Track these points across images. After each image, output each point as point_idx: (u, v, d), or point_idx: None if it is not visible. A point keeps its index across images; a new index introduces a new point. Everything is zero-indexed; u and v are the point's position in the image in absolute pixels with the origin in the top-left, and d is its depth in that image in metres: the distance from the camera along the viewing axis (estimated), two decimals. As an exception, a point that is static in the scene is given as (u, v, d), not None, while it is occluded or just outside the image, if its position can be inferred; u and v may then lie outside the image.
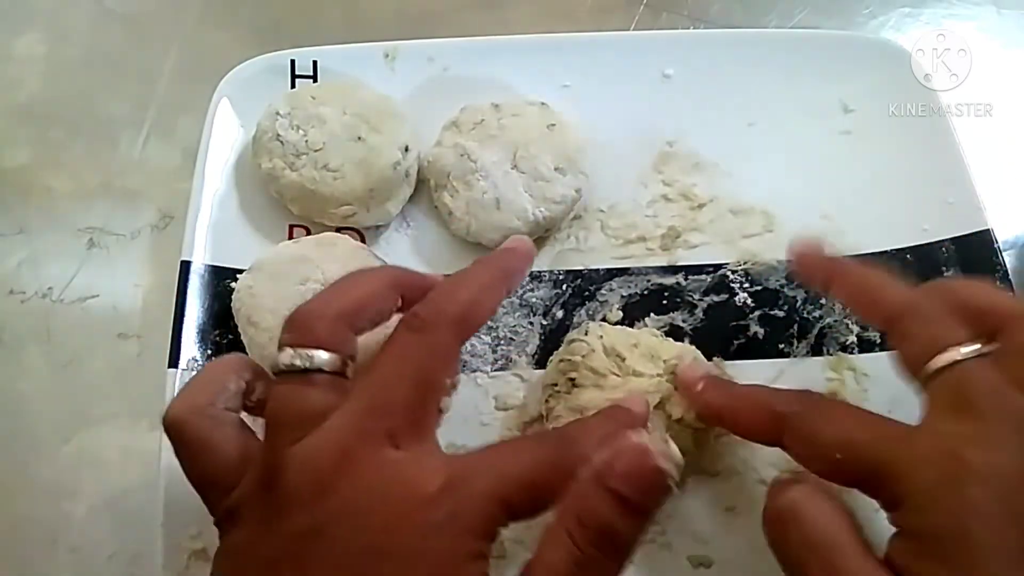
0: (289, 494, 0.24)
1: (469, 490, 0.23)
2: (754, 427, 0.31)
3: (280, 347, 0.27)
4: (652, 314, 0.42)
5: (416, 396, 0.25)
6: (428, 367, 0.26)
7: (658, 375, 0.36)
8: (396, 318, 0.29)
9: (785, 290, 0.43)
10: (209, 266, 0.42)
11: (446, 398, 0.27)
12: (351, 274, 0.30)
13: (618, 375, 0.36)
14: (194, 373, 0.39)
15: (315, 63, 0.47)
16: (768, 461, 0.38)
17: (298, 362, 0.26)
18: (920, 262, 0.43)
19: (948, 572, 0.23)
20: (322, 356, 0.26)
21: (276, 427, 0.25)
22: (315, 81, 0.47)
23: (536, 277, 0.44)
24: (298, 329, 0.27)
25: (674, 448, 0.23)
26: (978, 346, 0.26)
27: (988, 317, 0.28)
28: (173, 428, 0.27)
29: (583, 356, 0.37)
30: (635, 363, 0.36)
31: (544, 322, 0.42)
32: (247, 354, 0.39)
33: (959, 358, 0.26)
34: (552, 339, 0.42)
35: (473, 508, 0.23)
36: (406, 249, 0.45)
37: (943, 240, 0.43)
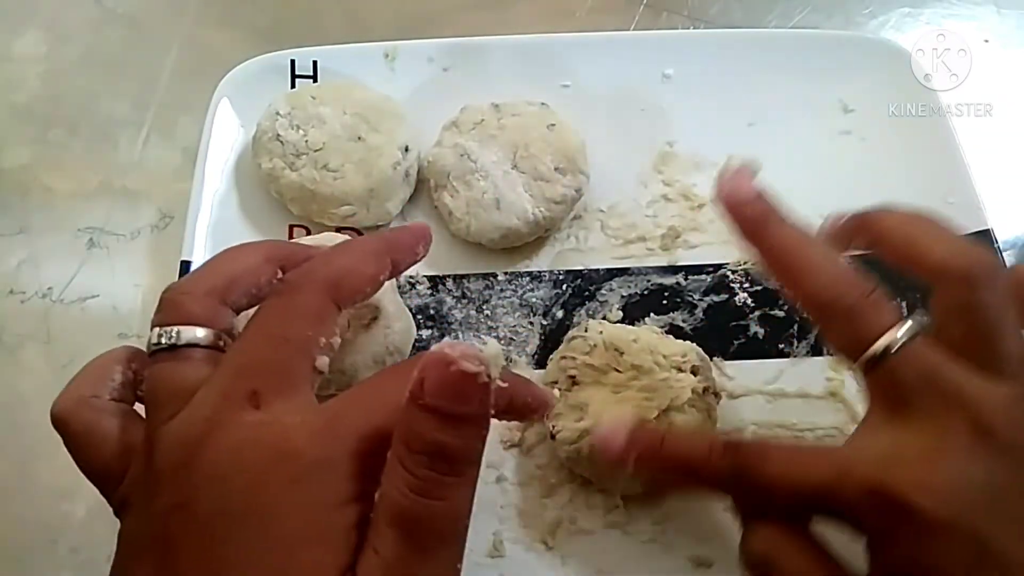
0: (160, 471, 0.23)
1: (335, 433, 0.23)
2: (702, 478, 0.29)
3: (151, 328, 0.26)
4: (652, 314, 0.42)
5: (279, 355, 0.25)
6: (293, 326, 0.25)
7: (659, 371, 0.36)
8: None
9: (785, 290, 0.43)
10: (209, 266, 0.42)
11: (322, 357, 0.26)
12: (225, 251, 0.29)
13: (619, 371, 0.36)
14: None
15: (315, 63, 0.47)
16: (768, 461, 0.38)
17: (164, 340, 0.25)
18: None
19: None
20: (192, 332, 0.26)
21: (152, 406, 0.25)
22: (315, 81, 0.47)
23: (536, 277, 0.44)
24: (165, 308, 0.26)
25: (491, 344, 0.23)
26: (908, 326, 0.26)
27: (919, 268, 0.27)
28: (58, 421, 0.27)
29: (583, 353, 0.37)
30: (635, 359, 0.36)
31: (544, 322, 0.42)
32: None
33: (890, 344, 0.25)
34: (552, 339, 0.42)
35: (341, 450, 0.23)
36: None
37: (943, 240, 0.43)
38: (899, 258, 0.28)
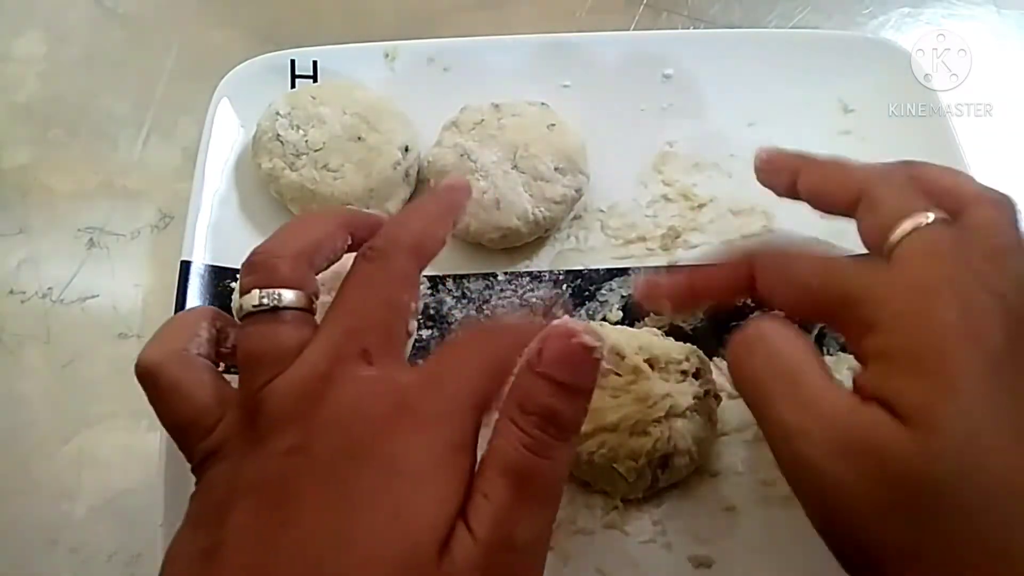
0: (272, 422, 0.24)
1: (443, 391, 0.24)
2: (727, 281, 0.31)
3: (243, 292, 0.26)
4: (652, 314, 0.42)
5: (384, 317, 0.26)
6: (391, 290, 0.27)
7: (660, 377, 0.36)
8: (349, 257, 0.29)
9: (785, 290, 0.43)
10: (209, 266, 0.42)
11: (412, 320, 0.27)
12: (300, 217, 0.30)
13: (619, 374, 0.36)
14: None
15: (315, 63, 0.47)
16: (769, 461, 0.38)
17: (267, 300, 0.26)
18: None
19: (924, 384, 0.23)
20: (288, 295, 0.26)
21: (251, 367, 0.25)
22: (315, 81, 0.47)
23: (536, 277, 0.44)
24: (259, 271, 0.27)
25: (599, 328, 0.25)
26: (943, 214, 0.26)
27: (950, 196, 0.28)
28: (147, 373, 0.27)
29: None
30: (635, 362, 0.36)
31: (544, 322, 0.42)
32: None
33: (925, 223, 0.26)
34: (552, 339, 0.41)
35: (450, 406, 0.24)
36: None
37: (943, 240, 0.43)
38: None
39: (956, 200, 0.28)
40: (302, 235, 0.28)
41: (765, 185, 0.34)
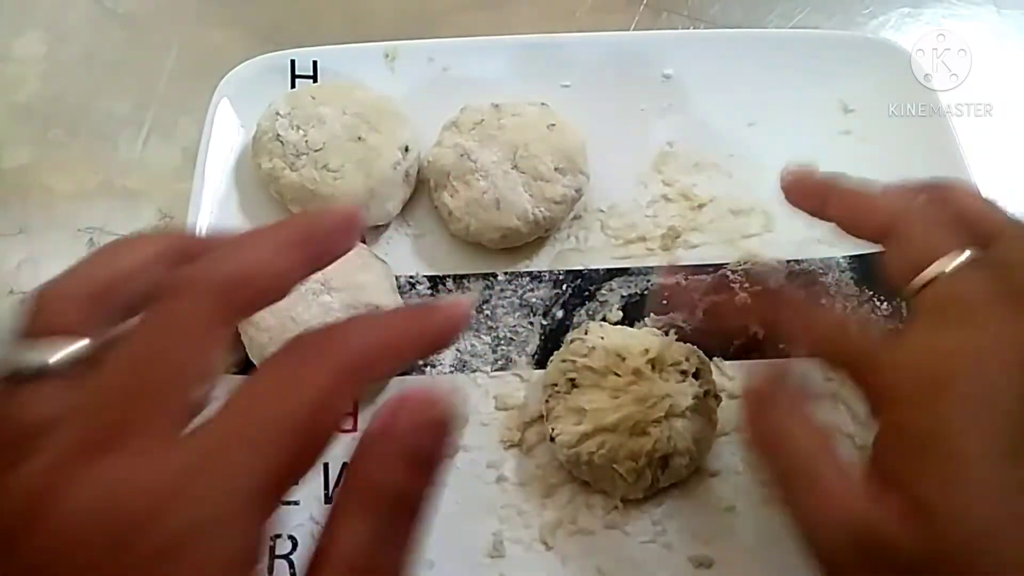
0: None
1: (216, 486, 0.18)
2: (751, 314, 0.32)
3: (10, 340, 0.21)
4: (652, 314, 0.42)
5: (141, 384, 0.19)
6: (160, 345, 0.19)
7: (660, 378, 0.36)
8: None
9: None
10: (209, 266, 0.42)
11: (206, 385, 0.20)
12: (112, 243, 0.23)
13: (618, 375, 0.36)
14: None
15: (315, 63, 0.47)
16: (768, 461, 0.38)
17: (30, 360, 0.20)
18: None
19: (935, 473, 0.23)
20: (64, 346, 0.20)
21: None
22: (315, 81, 0.47)
23: (536, 277, 0.44)
24: (32, 314, 0.21)
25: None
26: (968, 254, 0.26)
27: (980, 225, 0.27)
28: None
29: (583, 356, 0.37)
30: (635, 363, 0.36)
31: (544, 322, 0.42)
32: (248, 354, 0.39)
33: (951, 266, 0.26)
34: (552, 339, 0.42)
35: (224, 509, 0.18)
36: (406, 249, 0.45)
37: (943, 240, 0.43)
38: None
39: (986, 230, 0.27)
40: (103, 266, 0.22)
41: (793, 205, 0.33)
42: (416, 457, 0.19)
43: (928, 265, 0.26)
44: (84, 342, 0.21)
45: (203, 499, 0.17)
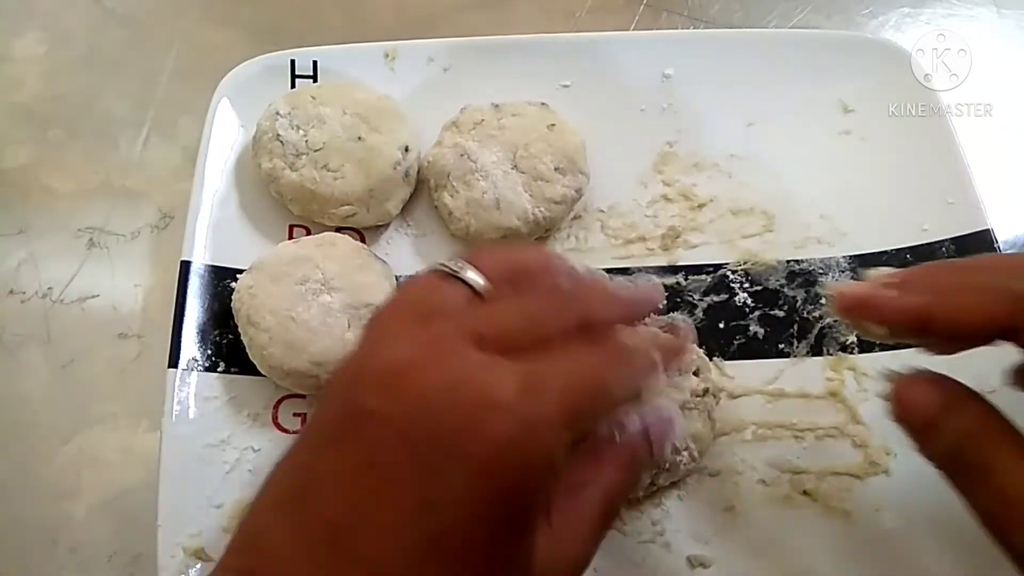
0: (371, 371, 0.24)
1: (545, 397, 0.24)
2: (981, 322, 0.25)
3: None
4: (652, 314, 0.42)
5: (516, 324, 0.26)
6: (545, 314, 0.27)
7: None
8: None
9: (785, 290, 0.43)
10: (209, 266, 0.42)
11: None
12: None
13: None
14: (193, 373, 0.39)
15: (315, 63, 0.47)
16: (768, 461, 0.39)
17: (451, 265, 0.27)
18: (920, 262, 0.43)
19: None
20: (472, 273, 0.27)
21: (404, 303, 0.27)
22: (315, 81, 0.47)
23: (536, 277, 0.44)
24: (468, 254, 0.28)
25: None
26: None
27: None
28: None
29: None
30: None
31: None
32: (248, 355, 0.40)
33: None
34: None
35: (546, 418, 0.23)
36: (406, 249, 0.45)
37: (943, 240, 0.43)
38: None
39: None
40: (520, 253, 0.31)
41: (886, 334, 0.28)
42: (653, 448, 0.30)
43: None
44: (488, 282, 0.27)
45: (536, 406, 0.23)
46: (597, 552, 0.36)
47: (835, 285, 0.28)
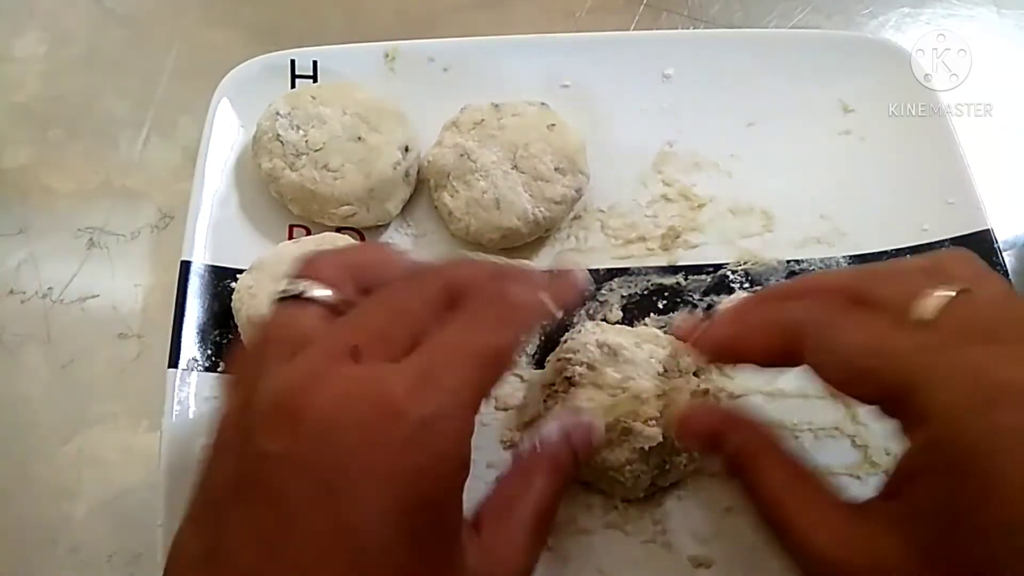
0: (261, 418, 0.23)
1: (438, 388, 0.23)
2: (771, 348, 0.29)
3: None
4: (652, 314, 0.42)
5: (385, 323, 0.26)
6: (405, 302, 0.27)
7: (657, 374, 0.36)
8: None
9: (785, 290, 0.43)
10: (209, 266, 0.42)
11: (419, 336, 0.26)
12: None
13: (616, 373, 0.36)
14: (193, 373, 0.40)
15: (315, 63, 0.47)
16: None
17: (290, 288, 0.27)
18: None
19: (967, 490, 0.22)
20: (317, 290, 0.27)
21: (266, 344, 0.26)
22: (315, 81, 0.47)
23: (536, 277, 0.44)
24: (299, 267, 0.28)
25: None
26: (952, 292, 0.25)
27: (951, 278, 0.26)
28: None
29: (578, 354, 0.37)
30: (632, 361, 0.36)
31: (544, 322, 0.42)
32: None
33: (947, 293, 0.25)
34: (552, 339, 0.41)
35: (447, 405, 0.23)
36: (406, 249, 0.45)
37: (943, 240, 0.43)
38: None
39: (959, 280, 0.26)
40: (362, 252, 0.31)
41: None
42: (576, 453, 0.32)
43: (928, 295, 0.25)
44: (332, 290, 0.27)
45: (431, 400, 0.23)
46: (597, 552, 0.36)
47: (676, 319, 0.37)
